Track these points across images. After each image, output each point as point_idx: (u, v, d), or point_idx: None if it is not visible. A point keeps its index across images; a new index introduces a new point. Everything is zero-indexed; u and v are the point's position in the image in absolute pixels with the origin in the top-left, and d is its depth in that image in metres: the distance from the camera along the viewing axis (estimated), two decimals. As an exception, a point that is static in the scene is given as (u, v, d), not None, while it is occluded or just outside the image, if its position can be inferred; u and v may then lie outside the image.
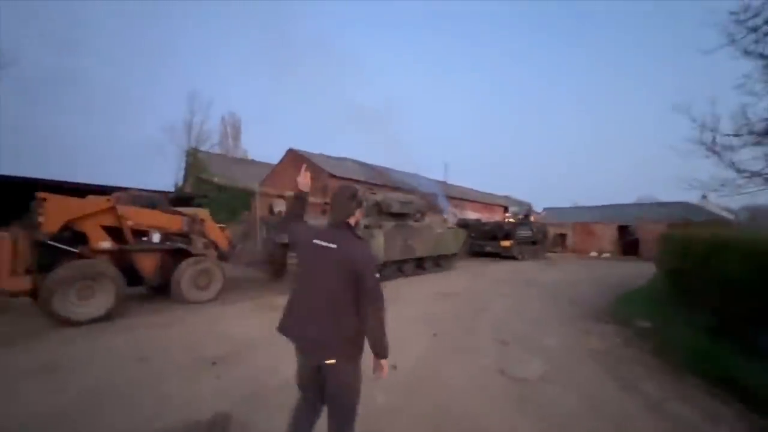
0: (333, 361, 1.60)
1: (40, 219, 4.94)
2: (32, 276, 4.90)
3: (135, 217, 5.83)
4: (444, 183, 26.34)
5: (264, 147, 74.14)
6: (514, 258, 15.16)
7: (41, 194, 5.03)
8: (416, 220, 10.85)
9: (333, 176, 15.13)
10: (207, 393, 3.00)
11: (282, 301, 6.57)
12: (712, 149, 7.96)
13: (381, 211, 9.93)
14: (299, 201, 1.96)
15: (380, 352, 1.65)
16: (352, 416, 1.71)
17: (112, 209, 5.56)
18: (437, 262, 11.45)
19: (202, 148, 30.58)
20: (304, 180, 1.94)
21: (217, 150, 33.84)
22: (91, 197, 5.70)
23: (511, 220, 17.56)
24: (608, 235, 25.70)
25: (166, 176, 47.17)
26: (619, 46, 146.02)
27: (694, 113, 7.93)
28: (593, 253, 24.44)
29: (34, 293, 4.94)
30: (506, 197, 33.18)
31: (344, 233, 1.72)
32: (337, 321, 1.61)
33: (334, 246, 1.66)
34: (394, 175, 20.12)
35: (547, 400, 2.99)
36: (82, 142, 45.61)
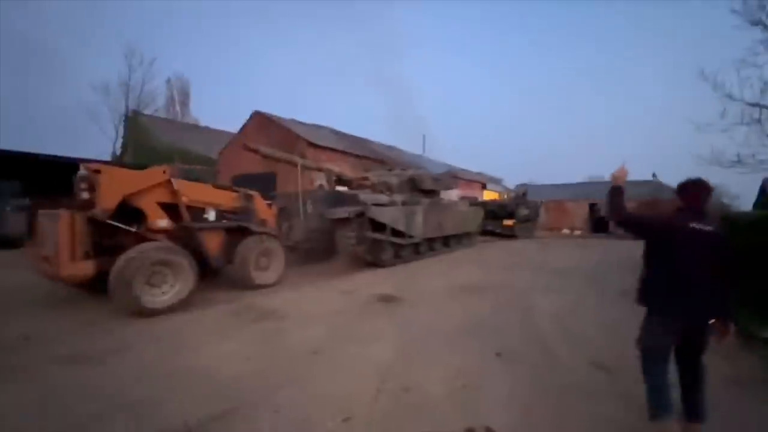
0: (713, 320, 2.04)
1: (86, 195, 4.36)
2: (93, 261, 4.26)
3: (190, 192, 5.21)
4: (421, 156, 24.94)
5: (216, 113, 68.60)
6: (513, 237, 15.27)
7: (92, 165, 4.46)
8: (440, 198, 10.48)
9: (311, 144, 13.10)
10: None
11: (270, 302, 4.23)
12: (756, 119, 7.25)
13: (414, 187, 9.27)
14: (619, 193, 2.20)
15: (732, 313, 2.13)
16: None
17: (168, 183, 4.94)
18: (460, 240, 11.21)
19: (145, 113, 26.79)
20: (621, 174, 2.25)
21: (162, 116, 29.85)
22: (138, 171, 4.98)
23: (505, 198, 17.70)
24: (580, 213, 26.04)
25: (101, 144, 41.41)
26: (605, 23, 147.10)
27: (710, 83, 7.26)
28: (565, 231, 24.66)
29: (94, 281, 4.34)
30: (480, 173, 32.59)
31: (708, 218, 2.08)
32: (716, 288, 2.03)
33: (710, 229, 2.03)
34: (373, 146, 18.35)
35: None
36: (-9, 101, 38.26)
